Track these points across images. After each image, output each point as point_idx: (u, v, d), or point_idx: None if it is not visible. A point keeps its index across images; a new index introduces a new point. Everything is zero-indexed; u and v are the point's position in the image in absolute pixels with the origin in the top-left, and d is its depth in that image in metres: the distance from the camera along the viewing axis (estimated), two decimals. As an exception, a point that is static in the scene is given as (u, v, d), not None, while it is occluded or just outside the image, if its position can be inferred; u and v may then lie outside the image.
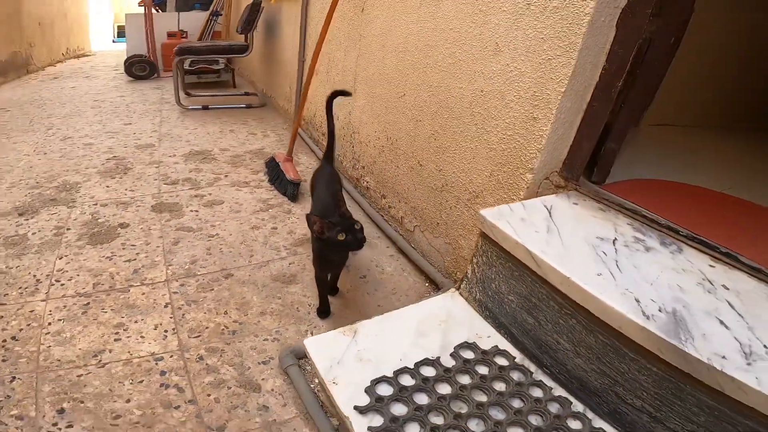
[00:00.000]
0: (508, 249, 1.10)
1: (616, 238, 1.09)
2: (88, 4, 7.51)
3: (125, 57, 5.00)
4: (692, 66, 2.03)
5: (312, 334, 1.48)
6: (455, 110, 1.63)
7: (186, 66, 4.21)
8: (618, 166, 1.42)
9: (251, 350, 1.39)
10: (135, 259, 1.75)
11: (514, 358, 1.09)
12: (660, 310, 0.85)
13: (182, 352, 1.37)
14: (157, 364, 1.33)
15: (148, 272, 1.69)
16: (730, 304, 0.91)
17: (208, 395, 1.25)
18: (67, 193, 2.23)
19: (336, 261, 1.51)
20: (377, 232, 2.04)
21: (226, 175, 2.49)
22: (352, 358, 1.06)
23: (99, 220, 2.00)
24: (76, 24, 6.82)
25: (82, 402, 1.20)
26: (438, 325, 1.17)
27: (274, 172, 2.39)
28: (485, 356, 1.08)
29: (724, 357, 0.79)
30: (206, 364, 1.34)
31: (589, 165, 1.36)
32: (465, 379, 1.03)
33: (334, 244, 1.30)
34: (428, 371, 1.04)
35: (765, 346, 0.83)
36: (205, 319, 1.49)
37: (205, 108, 3.63)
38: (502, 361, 1.08)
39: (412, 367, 1.04)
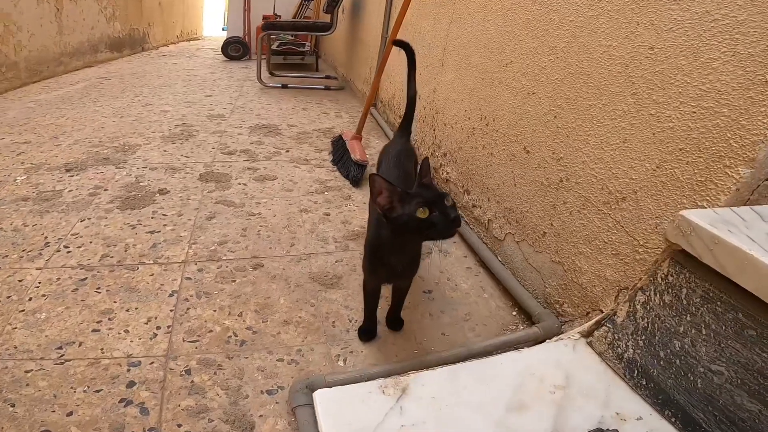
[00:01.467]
0: (750, 289, 0.54)
1: None
2: (205, -7, 7.83)
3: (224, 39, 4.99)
4: None
5: (345, 362, 1.01)
6: (595, 77, 1.07)
7: (274, 47, 4.02)
8: None
9: (257, 372, 0.96)
10: (159, 231, 1.42)
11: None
12: None
13: (167, 359, 0.97)
14: (128, 370, 0.94)
15: (167, 249, 1.34)
16: None
17: (178, 426, 0.84)
18: (123, 153, 2.00)
19: (399, 267, 0.96)
20: (456, 237, 1.52)
21: (287, 150, 2.12)
22: (390, 446, 0.57)
23: (141, 184, 1.72)
24: (192, 8, 7.10)
25: (12, 405, 0.85)
26: (549, 393, 0.64)
27: (339, 152, 1.98)
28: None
29: None
30: (192, 381, 0.93)
31: None
32: None
33: (410, 228, 0.78)
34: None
35: None
36: (212, 318, 1.09)
37: (284, 86, 3.36)
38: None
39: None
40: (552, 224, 1.18)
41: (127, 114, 2.62)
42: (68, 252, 1.29)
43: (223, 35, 8.05)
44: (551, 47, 1.22)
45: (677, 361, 0.62)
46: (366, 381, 0.92)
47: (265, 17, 4.84)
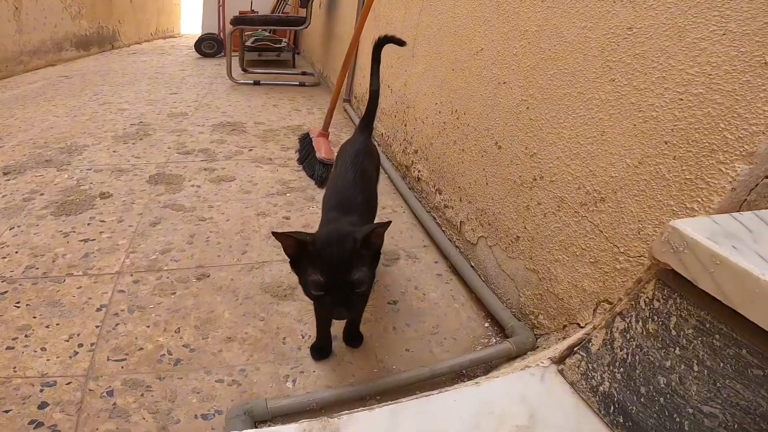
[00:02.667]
0: (759, 322, 0.44)
1: None
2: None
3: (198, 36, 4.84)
4: None
5: (294, 383, 0.90)
6: (569, 62, 0.97)
7: (248, 43, 3.89)
8: None
9: (192, 394, 0.85)
10: (94, 240, 1.29)
11: None
12: None
13: (87, 380, 0.85)
14: (42, 390, 0.82)
15: (101, 259, 1.21)
16: None
17: None
18: (68, 155, 1.86)
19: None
20: (425, 239, 1.43)
21: (250, 149, 2.00)
22: None
23: (81, 187, 1.58)
24: (167, 5, 6.91)
25: None
26: (509, 441, 0.53)
27: (306, 150, 1.86)
28: None
29: None
30: (114, 403, 0.81)
31: None
32: None
33: (306, 289, 0.75)
34: None
35: None
36: (144, 335, 0.97)
37: (256, 83, 3.24)
38: None
39: None
40: (526, 227, 1.09)
41: (81, 113, 2.47)
42: (-11, 263, 1.16)
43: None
44: (523, 31, 1.13)
45: (661, 399, 0.52)
46: (317, 409, 0.82)
47: (241, 13, 4.71)
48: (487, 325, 1.11)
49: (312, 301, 0.92)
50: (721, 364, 0.48)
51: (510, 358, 0.98)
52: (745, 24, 0.66)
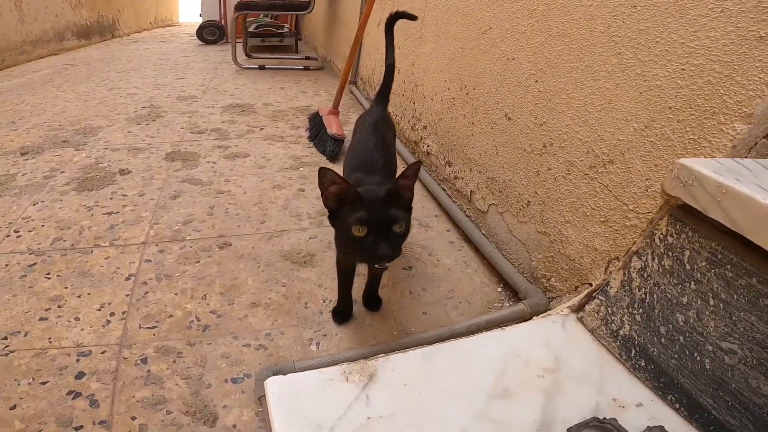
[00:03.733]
0: (764, 245, 0.46)
1: None
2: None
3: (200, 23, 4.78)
4: None
5: (318, 346, 0.92)
6: (576, 39, 0.98)
7: (251, 29, 3.85)
8: None
9: (222, 359, 0.87)
10: (118, 213, 1.30)
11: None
12: None
13: (121, 348, 0.87)
14: (78, 360, 0.84)
15: (125, 230, 1.22)
16: None
17: (133, 419, 0.74)
18: (83, 136, 1.86)
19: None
20: (435, 209, 1.44)
21: (261, 128, 2.00)
22: (353, 436, 0.48)
23: (101, 165, 1.59)
24: (166, -6, 6.81)
25: None
26: (537, 378, 0.56)
27: (316, 128, 1.87)
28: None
29: None
30: (148, 370, 0.83)
31: None
32: None
33: (342, 236, 0.76)
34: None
35: None
36: (173, 303, 0.99)
37: (261, 68, 3.21)
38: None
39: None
40: (536, 192, 1.10)
41: (91, 98, 2.45)
42: (18, 237, 1.17)
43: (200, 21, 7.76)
44: (531, 10, 1.13)
45: (681, 338, 0.54)
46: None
47: (240, -1, 4.65)
48: (500, 289, 1.14)
49: (337, 265, 0.95)
50: (735, 296, 0.50)
51: (524, 319, 1.00)
52: (740, 2, 0.68)
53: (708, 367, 0.52)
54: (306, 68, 3.27)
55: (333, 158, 1.68)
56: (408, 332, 0.98)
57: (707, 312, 0.53)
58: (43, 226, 1.23)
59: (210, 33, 4.49)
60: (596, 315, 0.62)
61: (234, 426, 0.75)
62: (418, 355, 0.58)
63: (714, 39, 0.72)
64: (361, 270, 1.06)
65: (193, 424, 0.75)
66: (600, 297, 0.63)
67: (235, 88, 2.67)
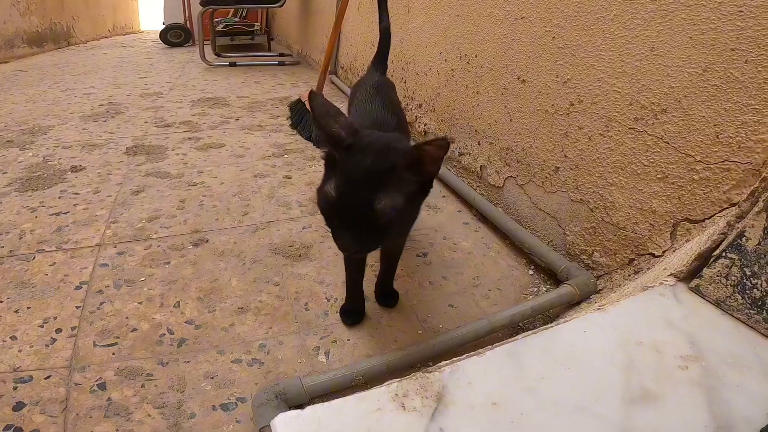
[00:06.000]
0: None
1: None
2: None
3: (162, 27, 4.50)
4: None
5: (327, 356, 0.72)
6: None
7: (219, 28, 3.61)
8: None
9: (206, 380, 0.66)
10: (67, 212, 1.07)
11: None
12: None
13: (71, 371, 0.66)
14: (16, 388, 0.62)
15: (76, 232, 0.99)
16: None
17: None
18: (31, 135, 1.60)
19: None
20: (442, 190, 1.26)
21: (237, 119, 1.78)
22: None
23: (49, 163, 1.34)
24: (123, 1, 6.46)
25: None
26: (680, 370, 0.38)
27: (299, 114, 1.67)
28: None
29: None
30: (109, 399, 0.62)
31: None
32: None
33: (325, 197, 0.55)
34: None
35: None
36: (137, 313, 0.77)
37: (233, 64, 2.98)
38: None
39: None
40: (566, 156, 0.94)
41: (42, 99, 2.18)
42: (-65, 245, 0.93)
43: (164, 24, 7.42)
44: None
45: None
46: (363, 384, 0.63)
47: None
48: (531, 272, 0.96)
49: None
50: None
51: (572, 303, 0.83)
52: None
53: None
54: (281, 63, 3.06)
55: (319, 144, 1.49)
56: (436, 329, 0.80)
57: None
58: (-27, 232, 0.98)
59: (175, 35, 4.22)
60: (725, 281, 0.46)
61: (227, 470, 0.54)
62: (500, 356, 0.40)
63: None
64: (371, 259, 0.87)
65: (173, 473, 0.54)
66: (729, 255, 0.46)
67: (206, 84, 2.43)
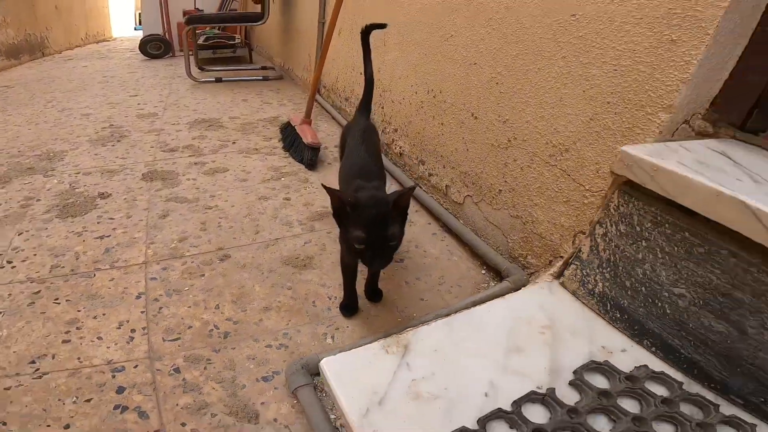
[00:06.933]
0: (691, 207, 0.62)
1: None
2: (109, -9, 7.18)
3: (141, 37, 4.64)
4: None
5: (333, 339, 1.02)
6: (528, 45, 1.15)
7: (200, 41, 3.81)
8: None
9: (248, 361, 0.95)
10: (109, 236, 1.33)
11: (680, 384, 0.61)
12: None
13: (151, 360, 0.93)
14: (114, 376, 0.89)
15: (122, 252, 1.26)
16: None
17: (183, 425, 0.81)
18: (48, 161, 1.83)
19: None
20: (415, 205, 1.57)
21: (234, 142, 2.05)
22: (405, 394, 0.60)
23: (77, 190, 1.59)
24: (95, 9, 6.51)
25: (4, 424, 0.79)
26: (539, 334, 0.70)
27: (290, 137, 1.94)
28: (632, 384, 0.61)
29: None
30: (183, 379, 0.90)
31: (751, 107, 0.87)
32: (604, 425, 0.56)
33: (348, 245, 0.87)
34: (538, 414, 0.57)
35: None
36: (189, 315, 1.05)
37: (218, 80, 3.21)
38: (661, 391, 0.61)
39: (509, 408, 0.58)
40: (506, 181, 1.26)
41: (43, 120, 2.38)
42: (12, 267, 1.18)
43: (137, 35, 7.47)
44: (487, 19, 1.28)
45: (643, 288, 0.70)
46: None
47: (185, 12, 4.56)
48: (483, 272, 1.28)
49: (340, 264, 1.05)
50: (676, 248, 0.67)
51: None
52: (654, 9, 0.86)
53: (668, 311, 0.68)
54: (265, 78, 3.30)
55: (311, 166, 1.77)
56: (411, 317, 1.10)
57: (658, 264, 0.69)
58: (35, 254, 1.23)
59: (154, 47, 4.38)
60: (574, 278, 0.78)
61: (275, 420, 0.83)
62: (440, 325, 0.70)
63: (637, 43, 0.90)
64: (361, 266, 1.16)
65: (239, 424, 0.82)
66: (575, 263, 0.78)
67: (197, 103, 2.67)
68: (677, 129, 0.90)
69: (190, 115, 2.44)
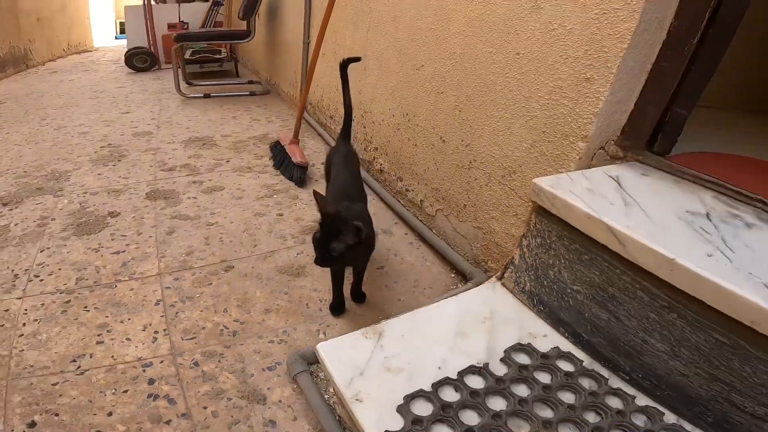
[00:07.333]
0: (576, 226, 0.87)
1: (708, 212, 0.85)
2: (88, 0, 7.28)
3: (126, 50, 4.79)
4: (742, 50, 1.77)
5: (325, 335, 1.24)
6: (484, 77, 1.39)
7: (187, 56, 4.00)
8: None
9: (254, 354, 1.17)
10: (124, 251, 1.53)
11: (582, 362, 0.85)
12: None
13: (174, 356, 1.15)
14: (144, 370, 1.10)
15: (138, 265, 1.46)
16: None
17: (204, 408, 1.02)
18: (56, 181, 2.01)
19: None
20: (394, 218, 1.81)
21: (227, 161, 2.26)
22: (379, 368, 0.83)
23: (87, 209, 1.78)
24: (76, 19, 6.61)
25: (56, 415, 0.98)
26: (481, 323, 0.93)
27: (280, 156, 2.16)
28: (545, 361, 0.85)
29: None
30: (202, 371, 1.11)
31: (653, 133, 1.12)
32: (523, 390, 0.80)
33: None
34: (475, 382, 0.81)
35: None
36: (202, 318, 1.27)
37: (207, 96, 3.40)
38: (567, 366, 0.84)
39: (455, 377, 0.81)
40: (469, 197, 1.50)
41: (42, 139, 2.55)
42: (41, 280, 1.37)
43: (117, 44, 7.56)
44: (451, 53, 1.53)
45: (555, 286, 0.95)
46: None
47: (170, 26, 4.75)
48: (452, 275, 1.52)
49: (331, 269, 1.28)
50: (571, 255, 0.91)
51: (471, 291, 1.39)
52: (575, 50, 1.10)
53: (572, 304, 0.92)
54: (252, 93, 3.51)
55: (301, 183, 1.99)
56: (389, 316, 1.33)
57: (562, 267, 0.94)
58: (59, 269, 1.43)
59: (140, 60, 4.54)
60: (511, 279, 1.02)
61: (280, 401, 1.05)
62: (407, 317, 0.94)
63: (563, 80, 1.14)
64: (348, 273, 1.39)
65: (250, 405, 1.04)
66: (511, 267, 1.03)
67: (189, 120, 2.87)
68: (594, 154, 1.15)
69: (183, 133, 2.64)
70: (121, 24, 8.97)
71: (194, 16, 4.89)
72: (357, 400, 0.76)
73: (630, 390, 0.80)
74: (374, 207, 1.87)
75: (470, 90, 1.46)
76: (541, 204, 0.95)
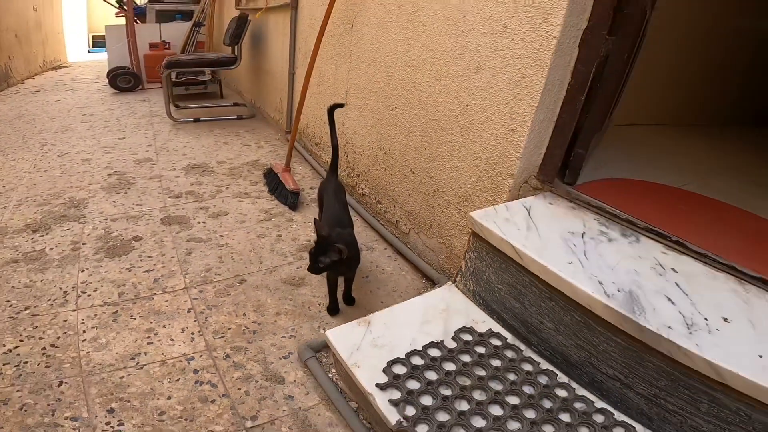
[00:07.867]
0: (495, 245, 1.31)
1: (584, 232, 1.31)
2: (62, 15, 7.48)
3: (107, 69, 5.07)
4: (660, 69, 2.29)
5: (324, 330, 1.66)
6: (443, 122, 1.84)
7: (173, 78, 4.34)
8: (590, 167, 1.65)
9: (272, 347, 1.57)
10: (153, 270, 1.90)
11: (506, 338, 1.30)
12: (619, 290, 1.07)
13: (210, 351, 1.54)
14: (189, 363, 1.49)
15: (167, 281, 1.84)
16: (677, 284, 1.13)
17: (239, 389, 1.42)
18: (76, 209, 2.36)
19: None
20: (375, 236, 2.24)
21: (227, 187, 2.64)
22: (369, 345, 1.25)
23: (112, 234, 2.14)
24: (51, 35, 6.81)
25: (128, 401, 1.36)
26: (440, 314, 1.37)
27: (273, 183, 2.56)
28: (482, 338, 1.29)
29: (670, 327, 1.01)
30: (233, 361, 1.51)
31: (562, 168, 1.58)
32: (466, 358, 1.23)
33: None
34: (435, 352, 1.24)
35: (705, 318, 1.05)
36: (227, 321, 1.66)
37: (197, 120, 3.76)
38: (496, 342, 1.28)
39: (420, 349, 1.24)
40: (434, 219, 1.95)
41: (49, 167, 2.87)
42: (88, 296, 1.74)
43: (92, 59, 7.77)
44: (418, 99, 1.97)
45: (487, 287, 1.39)
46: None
47: (152, 45, 5.06)
48: (423, 281, 1.96)
49: (327, 279, 1.69)
50: (495, 264, 1.36)
51: (437, 294, 1.83)
52: (506, 105, 1.55)
53: (498, 297, 1.37)
54: (239, 117, 3.88)
55: (294, 208, 2.40)
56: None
57: (491, 273, 1.38)
58: (102, 286, 1.79)
59: (124, 81, 4.84)
60: (461, 282, 1.46)
61: (295, 381, 1.45)
62: (388, 311, 1.37)
63: (496, 130, 1.60)
64: (339, 282, 1.81)
65: (272, 385, 1.44)
66: (461, 273, 1.47)
67: (184, 147, 3.23)
68: (521, 187, 1.60)
69: (181, 160, 3.00)
70: (94, 37, 9.14)
71: (175, 35, 5.21)
72: (356, 366, 1.18)
73: (537, 358, 1.25)
74: (358, 227, 2.30)
75: (433, 132, 1.90)
76: (474, 230, 1.40)
